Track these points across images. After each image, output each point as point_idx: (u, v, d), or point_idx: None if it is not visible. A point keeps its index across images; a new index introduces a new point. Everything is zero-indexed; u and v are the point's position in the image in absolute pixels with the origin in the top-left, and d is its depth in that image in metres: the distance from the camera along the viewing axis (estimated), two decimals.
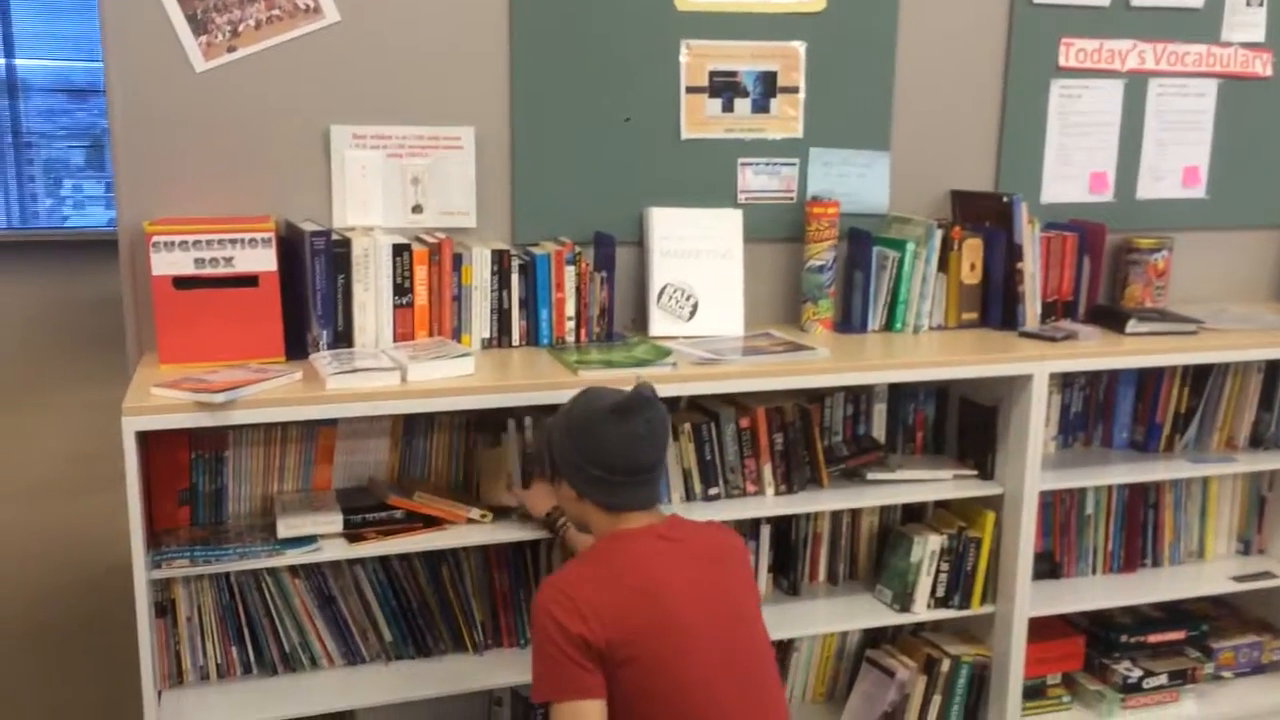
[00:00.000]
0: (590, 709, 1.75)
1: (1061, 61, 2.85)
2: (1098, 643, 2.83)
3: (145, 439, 2.06)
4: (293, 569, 2.27)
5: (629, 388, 1.91)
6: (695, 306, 2.56)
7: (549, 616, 1.77)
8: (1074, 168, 2.92)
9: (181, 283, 2.15)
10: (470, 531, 2.26)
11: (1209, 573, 2.88)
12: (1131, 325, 2.65)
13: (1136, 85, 2.94)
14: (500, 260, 2.39)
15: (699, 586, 1.86)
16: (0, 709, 2.91)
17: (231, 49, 2.29)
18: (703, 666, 1.80)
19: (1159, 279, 2.91)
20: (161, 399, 1.98)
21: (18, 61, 5.51)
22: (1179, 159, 3.02)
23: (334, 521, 2.20)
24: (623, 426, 1.87)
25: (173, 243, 2.14)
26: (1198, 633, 2.88)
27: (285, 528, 2.16)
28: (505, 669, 2.35)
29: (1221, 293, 3.10)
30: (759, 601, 2.00)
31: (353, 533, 2.20)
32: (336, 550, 2.18)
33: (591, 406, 1.91)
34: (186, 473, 2.26)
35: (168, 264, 2.14)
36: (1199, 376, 2.80)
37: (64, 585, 3.64)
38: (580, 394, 1.96)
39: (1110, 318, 2.74)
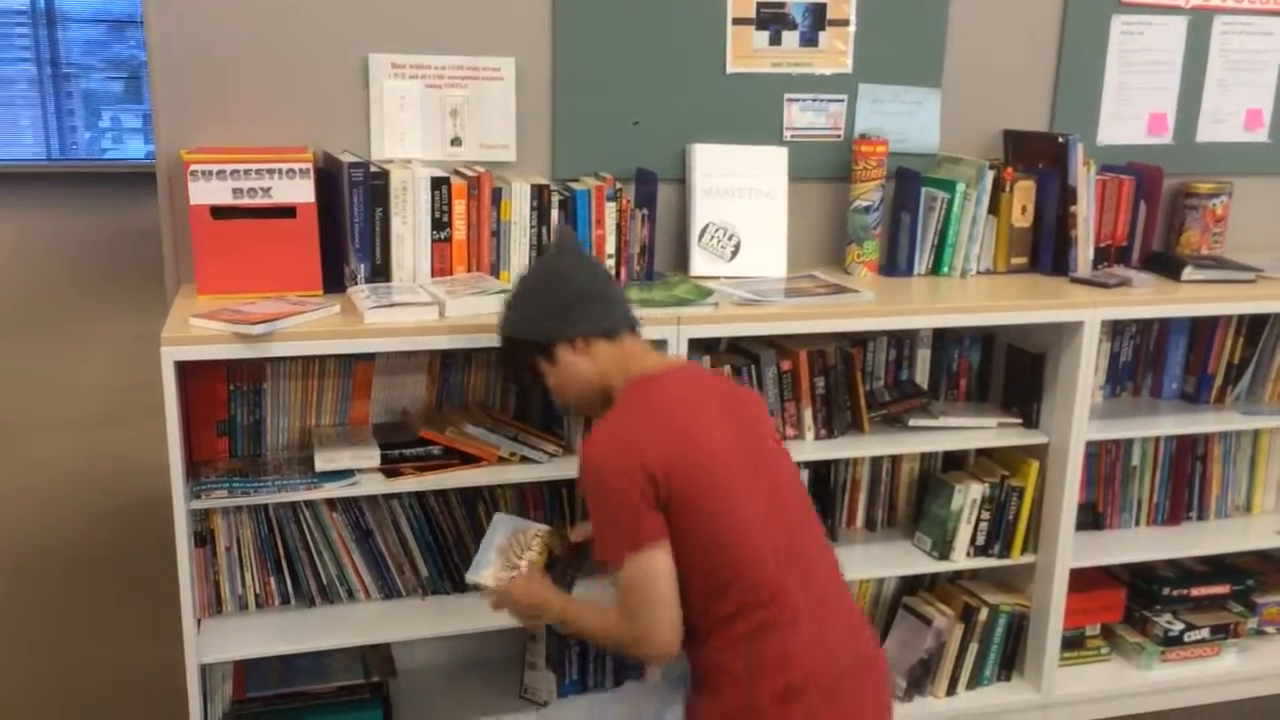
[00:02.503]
0: (665, 555, 1.68)
1: None
2: (1139, 595, 2.79)
3: (184, 370, 2.05)
4: (330, 502, 2.27)
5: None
6: (737, 246, 2.51)
7: (606, 465, 1.70)
8: (1132, 108, 2.82)
9: (219, 212, 2.13)
10: (507, 470, 2.25)
11: (1256, 527, 2.83)
12: (1187, 273, 2.58)
13: (1201, 22, 2.83)
14: (540, 195, 2.35)
15: (734, 429, 1.79)
16: (45, 635, 2.96)
17: None
18: (751, 504, 1.73)
19: (1216, 225, 2.82)
20: (200, 330, 1.97)
21: None
22: (1242, 101, 2.92)
23: (371, 456, 2.19)
24: (573, 260, 1.93)
25: (210, 172, 2.11)
26: (1242, 587, 2.83)
27: (323, 461, 2.16)
28: None
29: None
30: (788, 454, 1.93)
31: (389, 468, 2.19)
32: (374, 485, 2.17)
33: (540, 268, 1.95)
34: (225, 404, 2.26)
35: (205, 193, 2.12)
36: (1254, 327, 2.72)
37: (106, 514, 3.69)
38: (522, 277, 1.97)
39: (1165, 264, 2.66)
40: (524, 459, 2.26)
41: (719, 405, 1.82)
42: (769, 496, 1.77)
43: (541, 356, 1.90)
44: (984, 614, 2.59)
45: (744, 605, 1.70)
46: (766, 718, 1.68)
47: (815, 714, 1.68)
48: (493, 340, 2.09)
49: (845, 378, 2.46)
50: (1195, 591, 2.78)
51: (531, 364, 1.92)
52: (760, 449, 1.82)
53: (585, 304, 1.87)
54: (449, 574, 2.37)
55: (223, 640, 2.18)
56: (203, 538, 2.22)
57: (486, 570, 1.97)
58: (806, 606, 1.73)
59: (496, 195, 2.32)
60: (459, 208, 2.28)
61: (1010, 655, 2.65)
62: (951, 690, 2.61)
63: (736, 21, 2.52)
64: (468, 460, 2.23)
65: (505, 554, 1.98)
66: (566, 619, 1.88)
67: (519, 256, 2.37)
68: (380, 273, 2.27)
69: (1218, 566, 2.85)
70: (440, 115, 2.38)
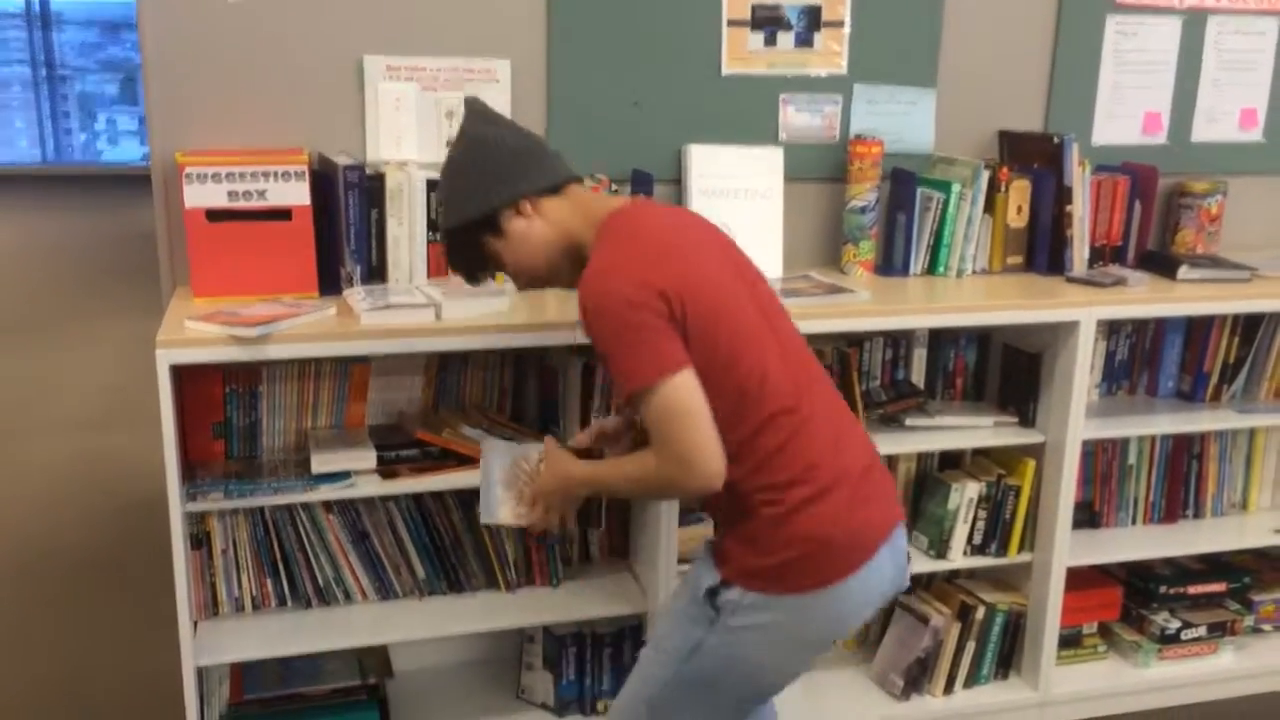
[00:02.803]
0: (693, 376, 1.59)
1: None
2: (1136, 593, 2.79)
3: (179, 372, 2.05)
4: (326, 504, 2.27)
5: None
6: None
7: (616, 296, 1.59)
8: (1127, 108, 2.83)
9: (214, 215, 2.13)
10: None
11: (1252, 525, 2.83)
12: (1183, 272, 2.58)
13: (1195, 23, 2.83)
14: None
15: (717, 250, 1.74)
16: (42, 637, 2.96)
17: None
18: (754, 318, 1.69)
19: (1211, 224, 2.83)
20: (195, 332, 1.97)
21: None
22: (1236, 100, 2.92)
23: (367, 457, 2.19)
24: (493, 126, 1.80)
25: (205, 174, 2.11)
26: (1239, 585, 2.84)
27: (319, 463, 2.16)
28: (537, 607, 2.35)
29: (1277, 239, 3.01)
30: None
31: (386, 469, 2.19)
32: (370, 486, 2.17)
33: (461, 144, 1.80)
34: (221, 406, 2.26)
35: (200, 196, 2.12)
36: (1250, 325, 2.72)
37: (103, 516, 3.68)
38: (445, 161, 1.83)
39: (1160, 264, 2.66)
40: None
41: (695, 228, 1.77)
42: (763, 311, 1.72)
43: (489, 234, 1.76)
44: (981, 613, 2.59)
45: (765, 422, 1.64)
46: (800, 519, 1.64)
47: (845, 503, 1.66)
48: (489, 343, 2.10)
49: (842, 377, 2.46)
50: (1192, 590, 2.79)
51: (483, 249, 1.79)
52: (743, 268, 1.77)
53: (520, 164, 1.75)
54: (445, 575, 2.37)
55: (219, 642, 2.18)
56: (199, 540, 2.22)
57: (502, 509, 1.90)
58: (823, 413, 1.71)
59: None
60: None
61: (1007, 654, 2.65)
62: (949, 689, 2.61)
63: (732, 23, 2.52)
64: (464, 462, 2.23)
65: (513, 486, 1.89)
66: (602, 482, 1.79)
67: None
68: (376, 274, 2.27)
69: (1214, 565, 2.85)
70: (436, 117, 2.38)
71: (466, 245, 1.80)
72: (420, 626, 2.29)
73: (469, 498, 2.35)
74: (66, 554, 3.43)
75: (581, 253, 1.74)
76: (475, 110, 1.82)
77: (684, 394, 1.58)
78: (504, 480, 1.90)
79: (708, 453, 1.58)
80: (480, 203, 1.75)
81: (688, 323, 1.61)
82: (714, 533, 1.85)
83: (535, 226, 1.76)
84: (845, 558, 1.66)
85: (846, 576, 1.66)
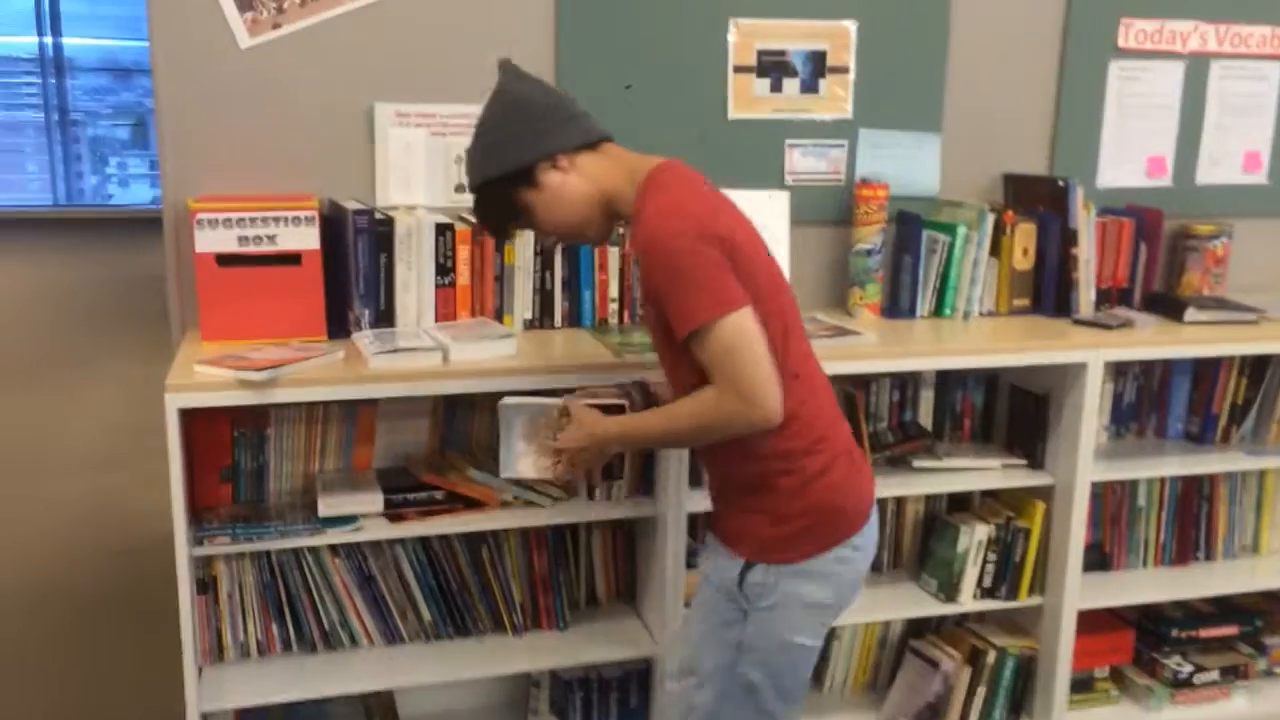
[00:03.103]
0: (753, 315, 1.63)
1: (1120, 42, 2.77)
2: (1148, 636, 2.77)
3: (188, 416, 2.06)
4: (333, 548, 2.26)
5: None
6: None
7: (681, 234, 1.62)
8: (1131, 151, 2.84)
9: (225, 260, 2.14)
10: (510, 514, 2.24)
11: (1263, 567, 2.81)
12: (1190, 313, 2.58)
13: (1198, 67, 2.85)
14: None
15: (741, 214, 1.78)
16: (43, 680, 2.94)
17: (276, 25, 2.28)
18: (772, 283, 1.74)
19: (1217, 266, 2.83)
20: (204, 376, 1.98)
21: (65, 41, 5.55)
22: (1240, 144, 2.94)
23: (374, 501, 2.19)
24: (528, 82, 1.82)
25: (216, 220, 2.13)
26: (1251, 628, 2.81)
27: (326, 506, 2.16)
28: (544, 651, 2.34)
29: None
30: None
31: (393, 513, 2.19)
32: (377, 530, 2.17)
33: (497, 100, 1.81)
34: (229, 450, 2.26)
35: (211, 241, 2.13)
36: (1258, 367, 2.72)
37: (111, 558, 3.67)
38: (480, 118, 1.82)
39: (1167, 305, 2.67)
40: (527, 503, 2.26)
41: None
42: (773, 277, 1.77)
43: (525, 186, 1.77)
44: (992, 657, 2.57)
45: (786, 384, 1.68)
46: (815, 488, 1.74)
47: (846, 473, 1.78)
48: (496, 386, 2.10)
49: (849, 419, 2.45)
50: (1204, 633, 2.76)
51: (516, 202, 1.79)
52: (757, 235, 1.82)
53: (556, 119, 1.77)
54: (452, 619, 2.36)
55: (224, 688, 2.17)
56: (205, 584, 2.22)
57: (523, 461, 1.88)
58: (822, 384, 1.81)
59: (500, 241, 2.34)
60: (463, 253, 2.30)
61: (1019, 698, 2.62)
62: None
63: (738, 69, 2.55)
64: (471, 505, 2.23)
65: (533, 440, 1.87)
66: (643, 433, 1.80)
67: (522, 301, 2.38)
68: (385, 318, 2.28)
69: (1225, 607, 2.83)
70: (445, 162, 2.40)
71: (499, 198, 1.80)
72: (426, 671, 2.27)
73: (476, 540, 2.35)
74: (73, 594, 3.41)
75: (617, 206, 1.79)
76: (510, 70, 1.85)
77: (748, 328, 1.62)
78: (524, 435, 1.88)
79: (770, 387, 1.63)
80: (516, 155, 1.76)
81: (736, 272, 1.66)
82: (720, 518, 1.87)
83: (571, 180, 1.78)
84: (849, 522, 1.78)
85: (852, 536, 1.78)
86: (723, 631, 1.79)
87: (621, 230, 2.30)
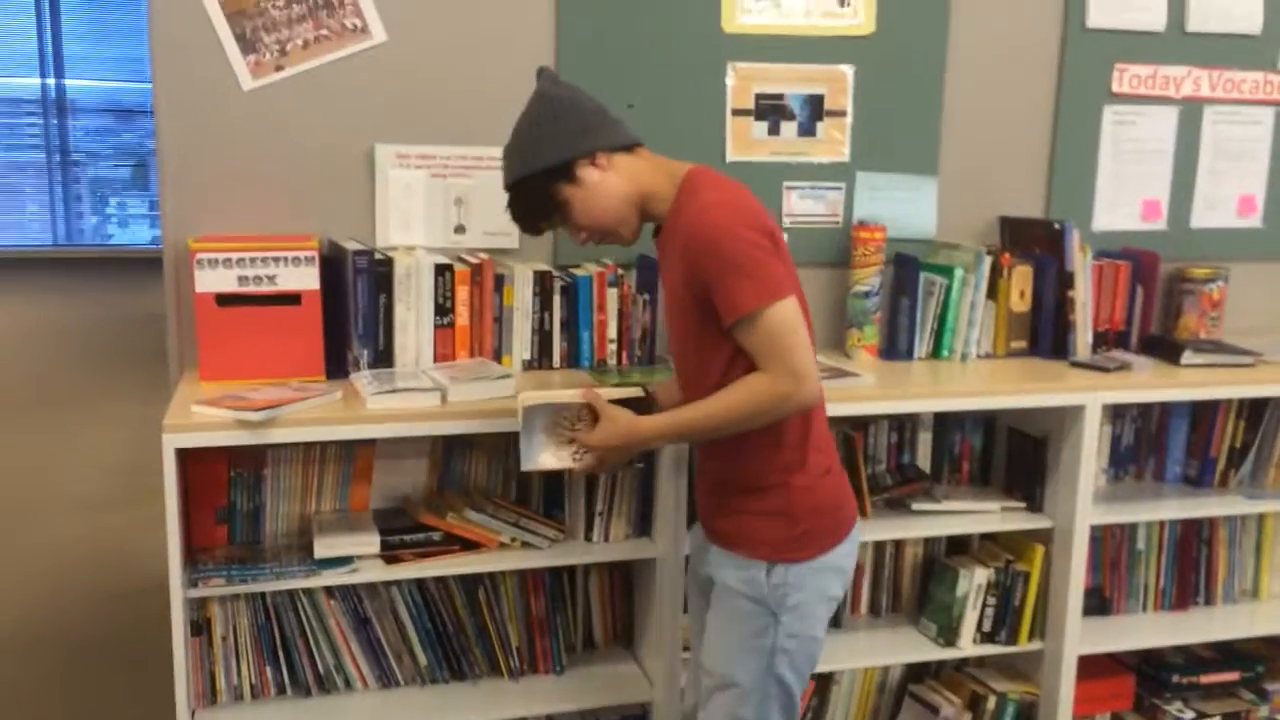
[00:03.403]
0: (795, 304, 1.74)
1: (1115, 87, 2.80)
2: (1148, 682, 2.75)
3: (185, 455, 2.05)
4: (328, 590, 2.25)
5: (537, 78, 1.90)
6: None
7: (737, 224, 1.71)
8: (1127, 195, 2.86)
9: (224, 300, 2.15)
10: (508, 556, 2.23)
11: (1263, 612, 2.79)
12: (1187, 356, 2.59)
13: (1191, 112, 2.88)
14: (542, 281, 2.37)
15: None
16: (41, 718, 2.91)
17: (279, 68, 2.30)
18: (803, 294, 1.81)
19: (1213, 309, 2.84)
20: (202, 417, 1.97)
21: (68, 82, 5.61)
22: (1234, 187, 2.96)
23: (371, 542, 2.18)
24: (567, 87, 1.88)
25: (216, 260, 2.13)
26: (1252, 674, 2.79)
27: (322, 548, 2.14)
28: (540, 696, 2.31)
29: (1278, 324, 3.02)
30: None
31: (389, 554, 2.17)
32: (373, 571, 2.15)
33: (539, 101, 1.86)
34: (225, 490, 2.25)
35: (211, 281, 2.14)
36: (1255, 410, 2.72)
37: (108, 598, 3.65)
38: (521, 119, 1.87)
39: (1164, 348, 2.67)
40: (525, 544, 2.25)
41: None
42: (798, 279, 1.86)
43: (564, 182, 1.82)
44: (992, 702, 2.55)
45: None
46: (822, 488, 1.84)
47: (840, 476, 1.90)
48: (495, 426, 2.09)
49: (847, 461, 2.45)
50: (1205, 679, 2.74)
51: (554, 196, 1.83)
52: None
53: (596, 120, 1.84)
54: (448, 662, 2.33)
55: None
56: (199, 626, 2.20)
57: (544, 453, 1.88)
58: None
59: (499, 281, 2.35)
60: (462, 294, 2.31)
61: None
62: None
63: (736, 113, 2.57)
64: (468, 546, 2.21)
65: (553, 433, 1.88)
66: (685, 428, 1.82)
67: (521, 342, 2.38)
68: (383, 358, 2.28)
69: (1226, 652, 2.81)
70: (444, 203, 2.42)
71: (536, 193, 1.84)
72: (421, 715, 2.25)
73: (473, 582, 2.33)
74: (69, 636, 3.38)
75: (651, 207, 1.85)
76: (549, 75, 1.91)
77: (795, 313, 1.72)
78: (544, 428, 1.89)
79: (814, 369, 1.74)
80: (557, 151, 1.81)
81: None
82: (720, 524, 1.90)
83: (609, 178, 1.83)
84: (850, 518, 1.89)
85: (852, 530, 1.89)
86: (755, 640, 1.83)
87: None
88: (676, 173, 1.84)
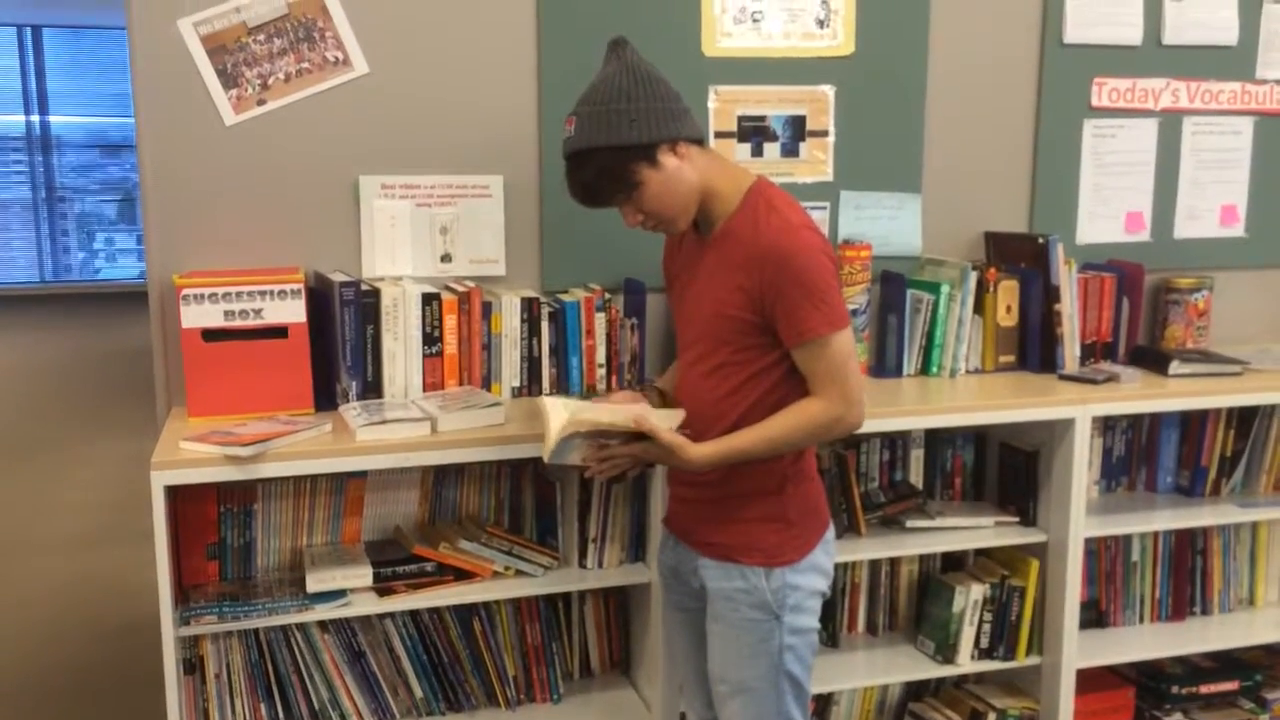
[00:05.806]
0: (852, 333, 1.83)
1: (1094, 101, 2.82)
2: (1148, 694, 2.74)
3: (174, 492, 2.04)
4: (322, 624, 2.23)
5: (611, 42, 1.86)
6: None
7: (823, 251, 1.78)
8: (1109, 208, 2.88)
9: (211, 335, 2.14)
10: (502, 585, 2.22)
11: (1261, 620, 2.79)
12: (1174, 366, 2.59)
13: (1171, 124, 2.90)
14: (530, 308, 2.37)
15: None
16: None
17: (261, 102, 2.30)
18: None
19: (1200, 319, 2.85)
20: (190, 453, 1.96)
21: (52, 119, 5.62)
22: (1216, 198, 2.97)
23: (363, 575, 2.16)
24: (648, 62, 1.85)
25: (202, 295, 2.13)
26: (1251, 683, 2.78)
27: (315, 581, 2.13)
28: None
29: (1264, 333, 3.03)
30: None
31: (382, 586, 2.16)
32: (366, 604, 2.14)
33: (630, 69, 1.80)
34: (215, 526, 2.24)
35: (197, 316, 2.13)
36: (1244, 418, 2.73)
37: (97, 637, 3.62)
38: (606, 83, 1.80)
39: (1152, 359, 2.68)
40: (519, 573, 2.24)
41: None
42: None
43: (645, 163, 1.77)
44: (992, 718, 2.54)
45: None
46: (810, 491, 1.93)
47: (820, 488, 1.98)
48: (485, 455, 2.08)
49: (839, 480, 2.45)
50: (1204, 689, 2.74)
51: (631, 176, 1.77)
52: None
53: (681, 107, 1.83)
54: (444, 694, 2.32)
55: None
56: (192, 664, 2.18)
57: (574, 455, 1.82)
58: None
59: (487, 309, 2.35)
60: (450, 322, 2.30)
61: None
62: None
63: (719, 135, 2.58)
64: (462, 576, 2.20)
65: (591, 439, 1.82)
66: (738, 453, 1.81)
67: (510, 369, 2.38)
68: (372, 389, 2.27)
69: (1225, 662, 2.80)
70: (430, 232, 2.42)
71: (619, 168, 1.77)
72: None
73: (467, 613, 2.32)
74: (61, 675, 3.35)
75: (710, 204, 1.85)
76: (631, 47, 1.84)
77: (853, 343, 1.83)
78: (583, 438, 1.81)
79: (863, 394, 1.83)
80: (647, 130, 1.77)
81: None
82: (713, 534, 1.92)
83: (685, 169, 1.82)
84: (826, 519, 1.97)
85: (828, 530, 1.96)
86: (762, 644, 1.87)
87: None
88: (740, 178, 1.85)
